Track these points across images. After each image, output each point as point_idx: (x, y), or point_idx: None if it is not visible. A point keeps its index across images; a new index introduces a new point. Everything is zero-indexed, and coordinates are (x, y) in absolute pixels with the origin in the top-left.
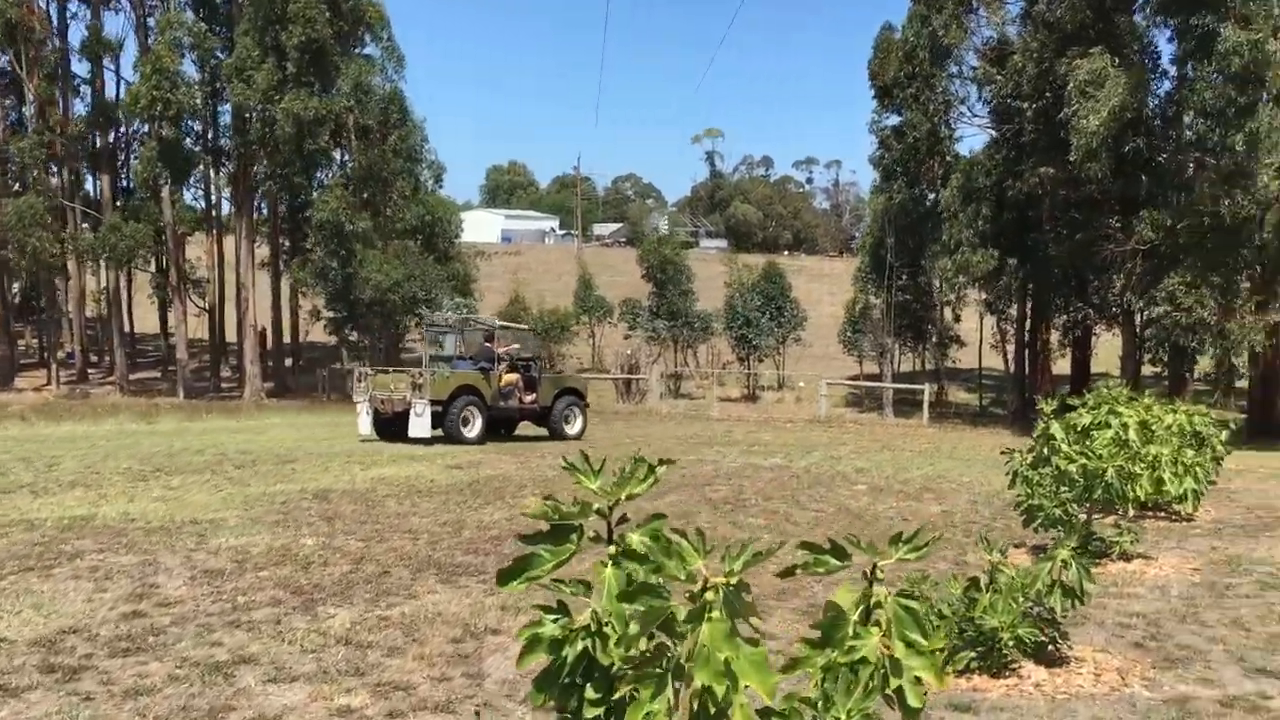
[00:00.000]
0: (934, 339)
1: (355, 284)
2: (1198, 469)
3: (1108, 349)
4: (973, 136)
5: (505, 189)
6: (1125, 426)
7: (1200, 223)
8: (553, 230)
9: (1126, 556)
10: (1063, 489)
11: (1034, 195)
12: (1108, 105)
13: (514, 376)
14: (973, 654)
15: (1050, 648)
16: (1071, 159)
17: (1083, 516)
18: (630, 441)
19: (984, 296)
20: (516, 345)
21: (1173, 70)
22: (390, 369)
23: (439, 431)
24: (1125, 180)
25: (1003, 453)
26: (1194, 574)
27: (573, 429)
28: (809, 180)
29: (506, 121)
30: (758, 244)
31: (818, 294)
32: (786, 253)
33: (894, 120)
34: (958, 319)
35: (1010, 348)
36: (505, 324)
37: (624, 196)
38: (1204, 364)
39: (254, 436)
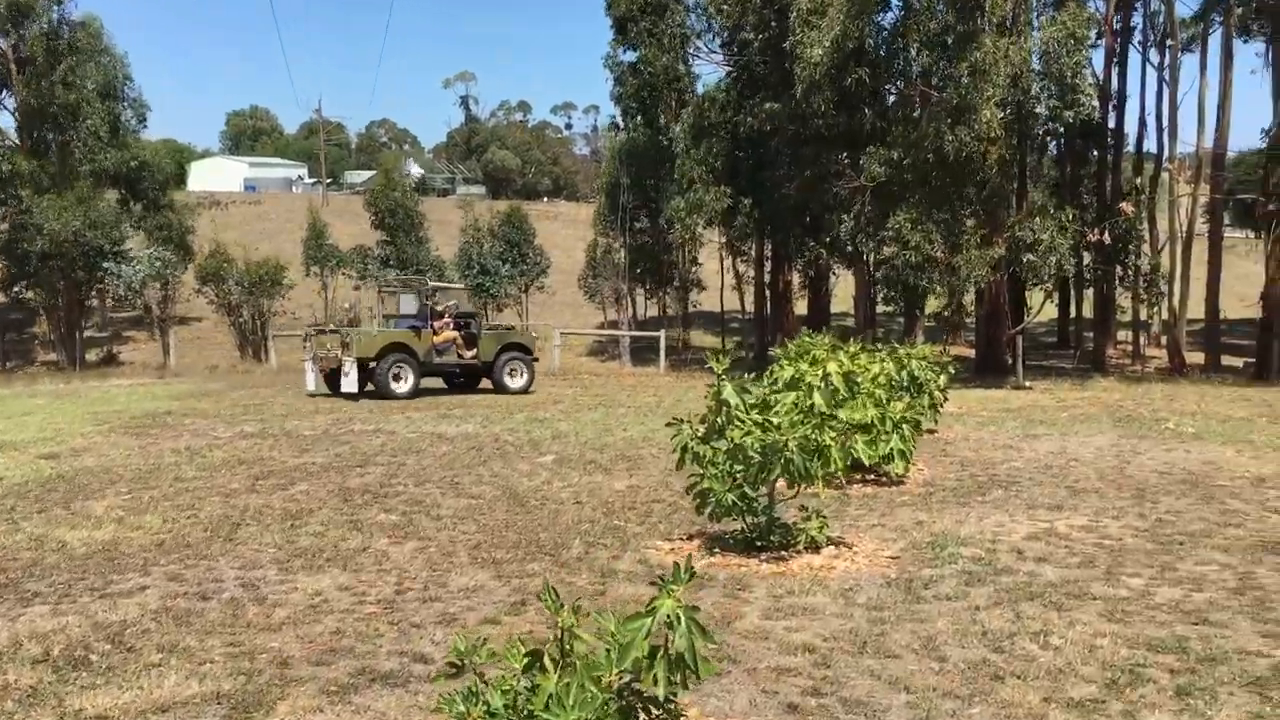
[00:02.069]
0: (675, 283)
1: (25, 235)
2: (904, 427)
3: (850, 289)
4: (713, 73)
5: (249, 135)
6: (810, 389)
7: (925, 158)
8: (300, 178)
9: (815, 546)
10: (737, 467)
11: (765, 131)
12: (830, 34)
13: (452, 334)
14: None
15: None
16: (796, 92)
17: (764, 500)
18: (332, 409)
19: (723, 238)
20: (454, 303)
21: None
22: (329, 328)
23: (370, 387)
24: (850, 114)
25: (669, 424)
26: (891, 565)
27: (516, 383)
28: (568, 125)
29: (250, 64)
30: (517, 190)
31: (571, 240)
32: (545, 199)
33: (631, 56)
34: (694, 261)
35: (751, 289)
36: (440, 284)
37: (378, 143)
38: (933, 303)
39: None
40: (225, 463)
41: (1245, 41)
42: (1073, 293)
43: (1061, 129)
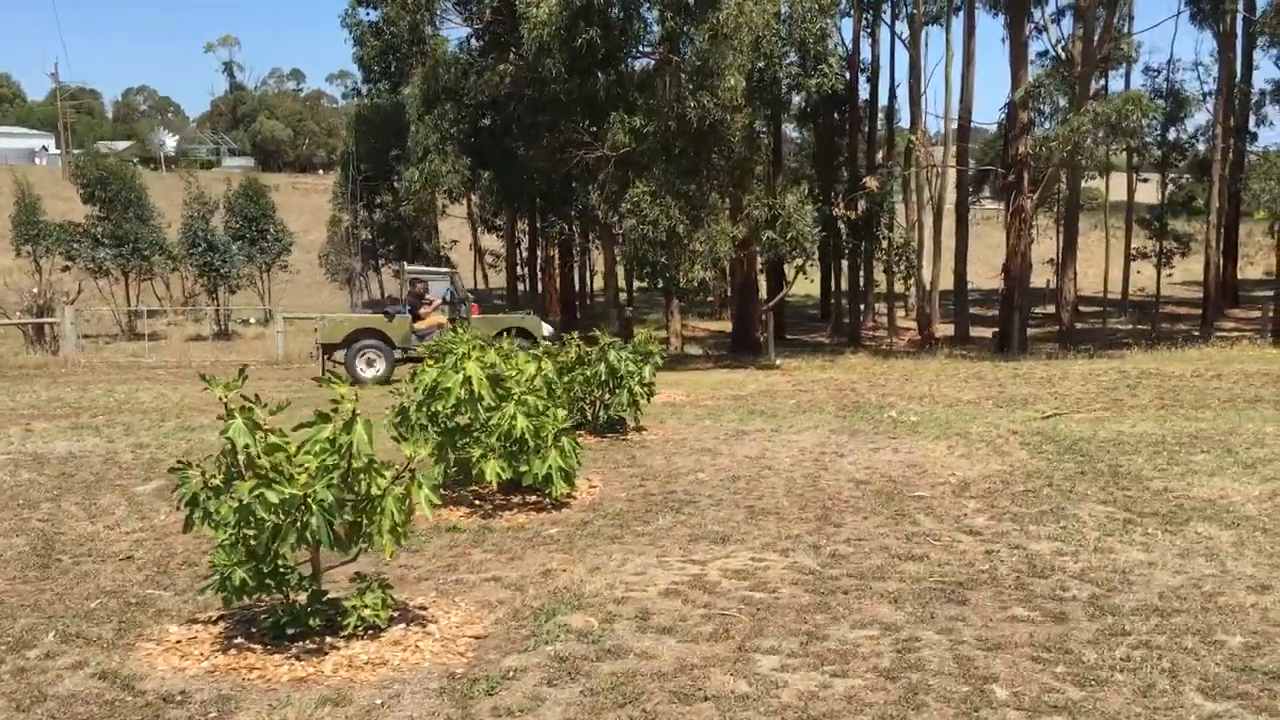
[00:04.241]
0: (425, 258)
1: None
2: (565, 440)
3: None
4: (463, 35)
5: None
6: (349, 422)
7: (667, 126)
8: (45, 149)
9: (373, 628)
10: (249, 531)
11: (501, 96)
12: None
13: (438, 319)
14: None
15: None
16: (527, 53)
17: (306, 568)
18: None
19: (473, 211)
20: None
21: None
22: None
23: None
24: (583, 79)
25: (172, 469)
26: (469, 651)
27: None
28: (345, 95)
29: None
30: (289, 163)
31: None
32: (321, 171)
33: (373, 15)
34: (428, 237)
35: (522, 266)
36: (422, 269)
37: (137, 111)
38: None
39: None
40: None
41: (994, 16)
42: (834, 266)
43: (817, 98)
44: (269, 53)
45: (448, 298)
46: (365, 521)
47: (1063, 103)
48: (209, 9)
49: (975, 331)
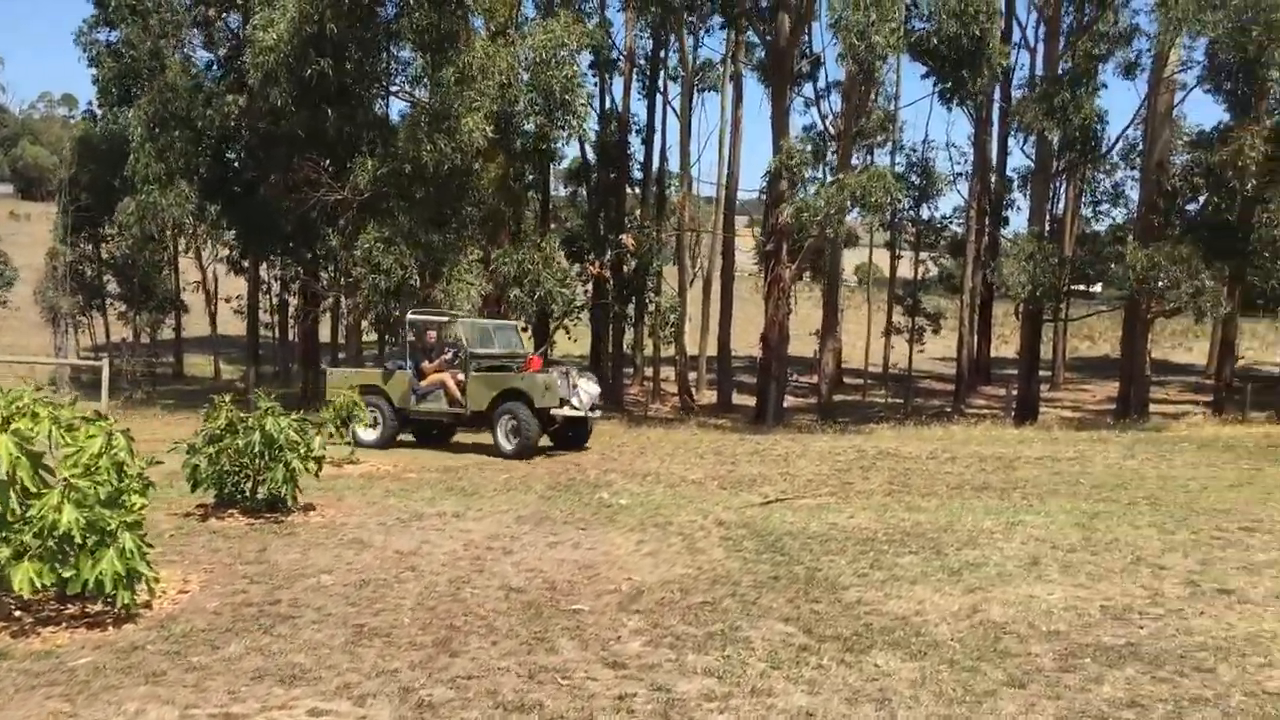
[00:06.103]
0: (156, 299)
1: None
2: (127, 537)
3: None
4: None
5: None
6: None
7: (402, 170)
8: None
9: None
10: None
11: (242, 128)
12: (287, 16)
13: (440, 377)
14: None
15: None
16: (253, 83)
17: None
18: None
19: (222, 250)
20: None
21: None
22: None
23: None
24: (314, 114)
25: None
26: None
27: (509, 444)
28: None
29: None
30: (53, 192)
31: None
32: None
33: (113, 36)
34: (147, 277)
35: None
36: (426, 314)
37: None
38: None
39: None
40: None
41: (767, 87)
42: (606, 326)
43: (595, 153)
44: (41, 76)
45: (459, 353)
46: None
47: (825, 174)
48: None
49: (741, 399)
